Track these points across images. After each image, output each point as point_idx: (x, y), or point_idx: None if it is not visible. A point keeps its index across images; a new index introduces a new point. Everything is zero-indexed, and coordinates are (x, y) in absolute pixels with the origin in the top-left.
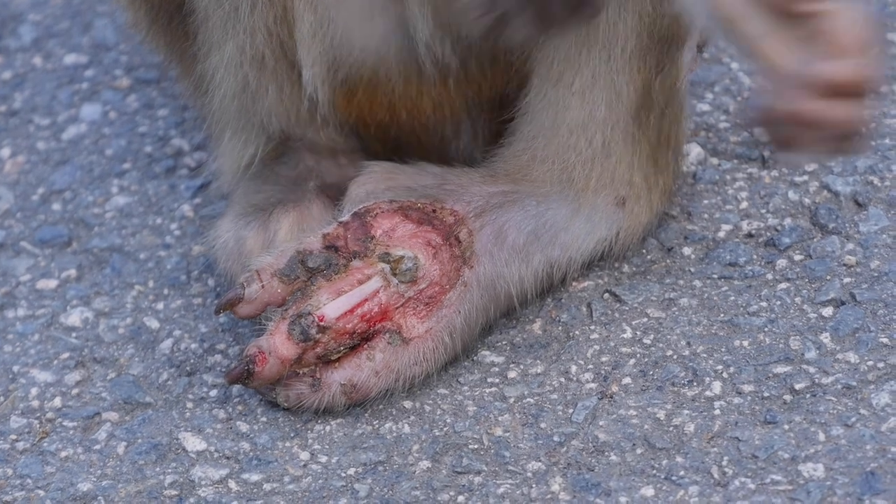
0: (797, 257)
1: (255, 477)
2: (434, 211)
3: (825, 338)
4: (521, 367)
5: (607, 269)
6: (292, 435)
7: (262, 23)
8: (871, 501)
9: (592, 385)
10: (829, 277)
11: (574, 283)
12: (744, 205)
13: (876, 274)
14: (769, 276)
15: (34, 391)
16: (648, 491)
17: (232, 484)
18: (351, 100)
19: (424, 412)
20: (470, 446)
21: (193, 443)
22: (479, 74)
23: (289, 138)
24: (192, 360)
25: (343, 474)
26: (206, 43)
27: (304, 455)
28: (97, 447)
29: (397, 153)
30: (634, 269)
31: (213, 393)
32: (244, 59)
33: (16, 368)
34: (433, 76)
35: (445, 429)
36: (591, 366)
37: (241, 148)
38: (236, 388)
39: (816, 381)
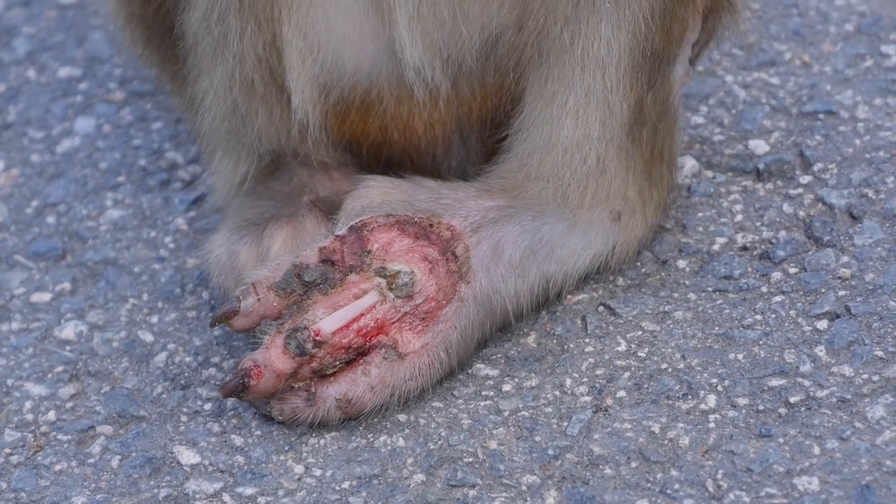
0: (792, 270)
1: (249, 490)
2: (431, 225)
3: (820, 351)
4: (516, 380)
5: (602, 282)
6: (287, 448)
7: (251, 49)
8: None
9: (587, 398)
10: (823, 290)
11: (569, 297)
12: (738, 217)
13: (871, 287)
14: (764, 289)
15: (28, 405)
16: None
17: (226, 498)
18: (343, 121)
19: (419, 425)
20: (464, 459)
21: (188, 456)
22: (470, 96)
23: (281, 155)
24: (186, 374)
25: (337, 488)
26: (195, 67)
27: (299, 468)
28: (91, 461)
29: (391, 170)
30: (629, 282)
31: (208, 406)
32: (233, 85)
33: (10, 382)
34: (423, 98)
35: (440, 442)
36: (585, 379)
37: (234, 167)
38: (231, 402)
39: (811, 394)
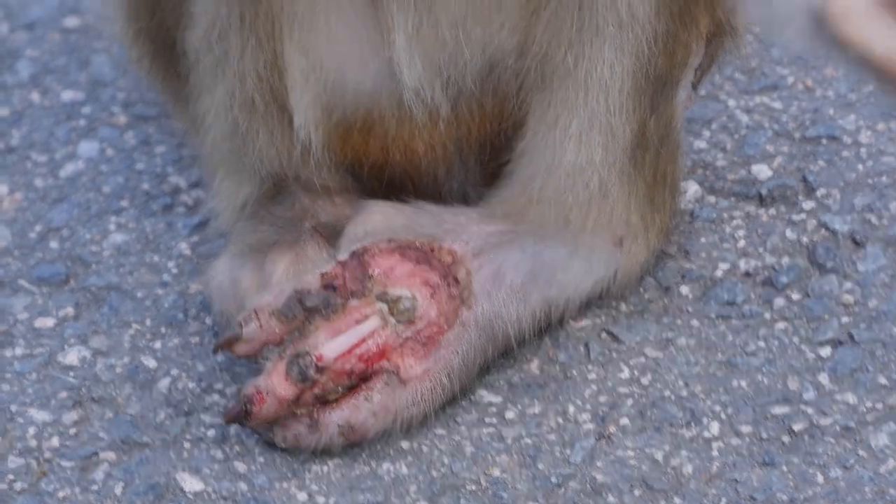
0: (795, 296)
1: None
2: (432, 250)
3: (823, 378)
4: (519, 407)
5: (605, 308)
6: (290, 475)
7: (252, 67)
8: None
9: (590, 426)
10: (827, 317)
11: (572, 323)
12: (741, 243)
13: (874, 313)
14: (767, 316)
15: (32, 430)
16: None
17: None
18: (346, 142)
19: (422, 453)
20: (468, 487)
21: (191, 483)
22: (469, 118)
23: (283, 179)
24: (189, 400)
25: None
26: (197, 85)
27: (302, 496)
28: (95, 487)
29: (392, 192)
30: (632, 308)
31: (211, 433)
32: (234, 103)
33: (13, 408)
34: (423, 119)
35: (443, 469)
36: (588, 406)
37: (235, 189)
38: (234, 428)
39: (815, 422)
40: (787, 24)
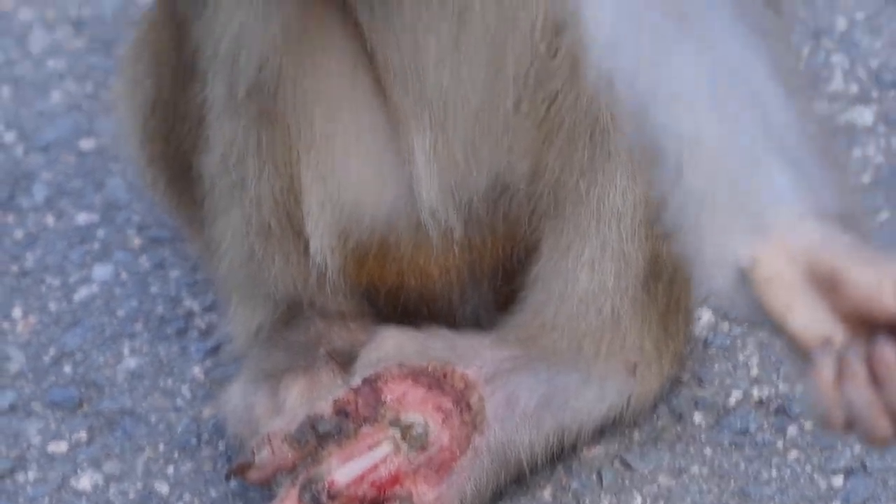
0: (808, 425)
1: None
2: (445, 376)
3: None
4: None
5: (618, 435)
6: None
7: (268, 192)
8: None
9: None
10: (839, 446)
11: (585, 450)
12: (754, 371)
13: None
14: (780, 445)
15: None
16: None
17: None
18: (361, 267)
19: None
20: None
21: None
22: (481, 242)
23: (298, 303)
24: None
25: None
26: (212, 210)
27: None
28: None
29: (407, 316)
30: (645, 435)
31: None
32: (250, 229)
33: None
34: (438, 241)
35: None
36: None
37: (250, 314)
38: None
39: None
40: (713, 275)
